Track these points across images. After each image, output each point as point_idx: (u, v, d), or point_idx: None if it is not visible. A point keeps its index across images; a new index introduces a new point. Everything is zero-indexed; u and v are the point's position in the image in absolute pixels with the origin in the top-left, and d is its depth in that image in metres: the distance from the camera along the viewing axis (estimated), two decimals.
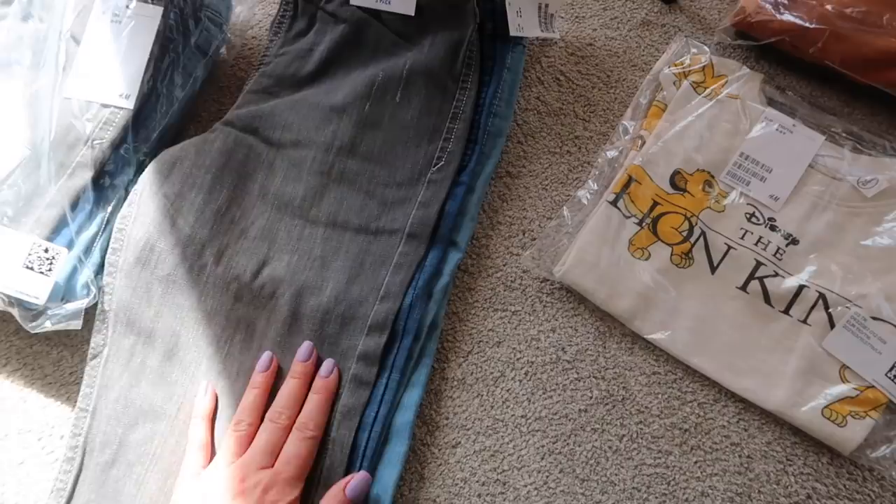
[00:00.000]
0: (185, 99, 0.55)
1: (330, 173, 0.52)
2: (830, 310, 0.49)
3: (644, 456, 0.48)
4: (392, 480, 0.45)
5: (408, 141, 0.54)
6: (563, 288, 0.53)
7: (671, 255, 0.52)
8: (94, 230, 0.50)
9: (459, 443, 0.49)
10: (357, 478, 0.43)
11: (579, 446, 0.49)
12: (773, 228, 0.51)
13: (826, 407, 0.47)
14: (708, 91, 0.55)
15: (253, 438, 0.43)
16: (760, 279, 0.50)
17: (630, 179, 0.53)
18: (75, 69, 0.52)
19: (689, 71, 0.55)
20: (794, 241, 0.51)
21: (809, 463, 0.48)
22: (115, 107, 0.51)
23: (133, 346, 0.48)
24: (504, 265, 0.54)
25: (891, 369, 0.47)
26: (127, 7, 0.53)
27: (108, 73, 0.52)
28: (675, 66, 0.56)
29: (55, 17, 0.53)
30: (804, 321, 0.49)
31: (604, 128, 0.58)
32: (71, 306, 0.48)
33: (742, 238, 0.51)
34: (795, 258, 0.51)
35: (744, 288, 0.50)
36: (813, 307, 0.49)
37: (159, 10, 0.53)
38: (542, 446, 0.49)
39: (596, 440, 0.49)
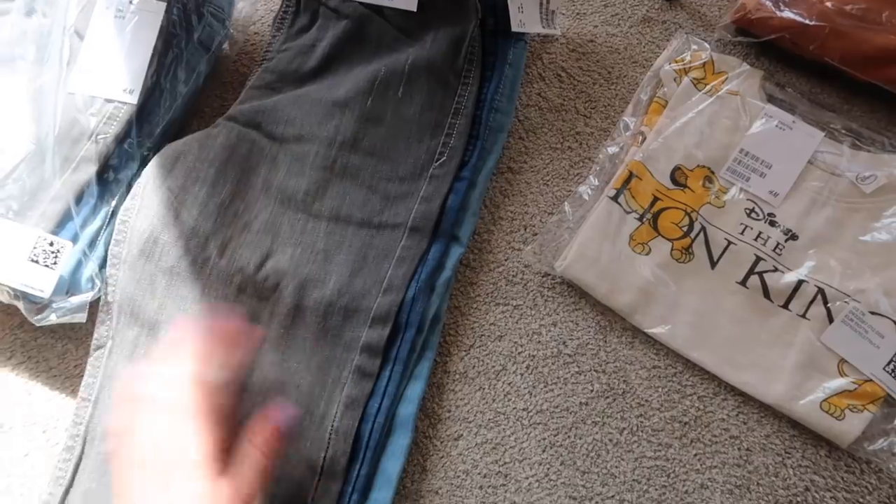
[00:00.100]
0: (188, 94, 0.55)
1: (333, 168, 0.53)
2: (829, 304, 0.49)
3: (644, 448, 0.49)
4: (395, 472, 0.46)
5: (410, 136, 0.54)
6: (565, 283, 0.53)
7: (671, 250, 0.52)
8: (98, 224, 0.50)
9: (461, 435, 0.49)
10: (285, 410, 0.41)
11: (580, 439, 0.49)
12: (772, 224, 0.52)
13: (824, 400, 0.47)
14: (708, 87, 0.55)
15: None
16: (760, 274, 0.51)
17: (631, 175, 0.53)
18: (79, 64, 0.52)
19: (690, 67, 0.56)
20: (794, 237, 0.51)
21: (808, 455, 0.48)
22: (119, 102, 0.52)
23: (137, 337, 0.48)
24: (506, 260, 0.54)
25: (888, 363, 0.47)
26: (130, 2, 0.53)
27: (111, 69, 0.52)
28: (676, 62, 0.56)
29: (59, 12, 0.54)
30: (803, 316, 0.50)
31: (605, 124, 0.58)
32: (76, 299, 0.48)
33: (742, 233, 0.52)
34: (795, 253, 0.51)
35: (743, 283, 0.51)
36: (812, 302, 0.50)
37: (162, 5, 0.53)
38: (544, 439, 0.49)
39: (597, 433, 0.49)
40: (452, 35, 0.55)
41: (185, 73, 0.55)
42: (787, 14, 0.55)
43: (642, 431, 0.49)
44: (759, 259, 0.51)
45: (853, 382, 0.48)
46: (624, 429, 0.49)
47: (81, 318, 0.49)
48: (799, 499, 0.47)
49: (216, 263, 0.49)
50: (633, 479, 0.48)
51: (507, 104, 0.56)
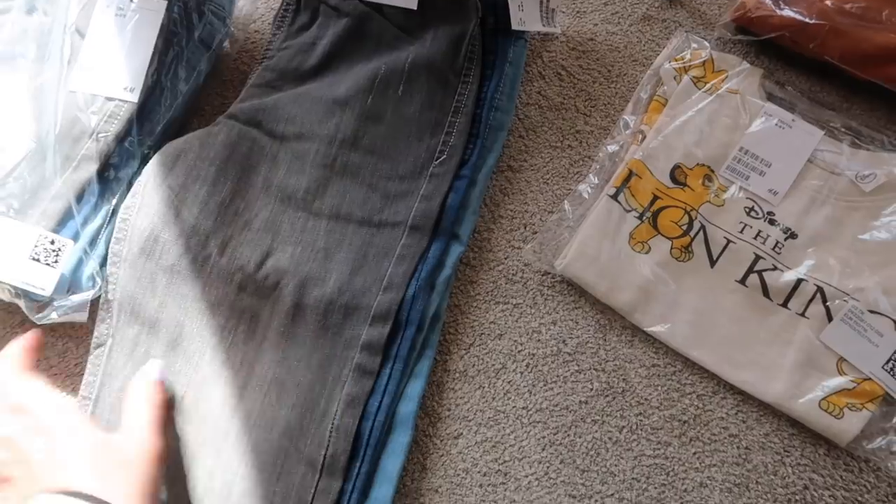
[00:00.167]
0: (189, 92, 0.55)
1: (333, 166, 0.53)
2: (828, 303, 0.49)
3: (644, 447, 0.49)
4: (395, 470, 0.46)
5: (410, 134, 0.54)
6: (564, 281, 0.53)
7: (671, 248, 0.52)
8: (99, 222, 0.50)
9: (461, 434, 0.49)
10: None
11: (580, 437, 0.49)
12: (771, 222, 0.52)
13: (823, 399, 0.48)
14: (708, 86, 0.55)
15: None
16: (759, 273, 0.51)
17: (630, 174, 0.53)
18: (80, 62, 0.52)
19: (690, 66, 0.56)
20: (793, 235, 0.51)
21: (806, 454, 0.48)
22: (120, 100, 0.52)
23: (137, 335, 0.48)
24: (506, 258, 0.54)
25: (887, 362, 0.48)
26: (131, 1, 0.53)
27: (112, 67, 0.52)
28: (676, 61, 0.56)
29: (59, 11, 0.54)
30: (802, 314, 0.50)
31: (604, 122, 0.58)
32: (77, 298, 0.48)
33: (741, 232, 0.52)
34: (794, 252, 0.51)
35: (743, 281, 0.51)
36: (811, 300, 0.50)
37: (163, 3, 0.53)
38: (543, 437, 0.49)
39: (596, 431, 0.49)
40: (452, 33, 0.55)
41: (186, 71, 0.55)
42: (787, 12, 0.55)
43: (642, 430, 0.49)
44: (758, 258, 0.51)
45: (852, 381, 0.48)
46: (623, 427, 0.50)
47: (82, 316, 0.49)
48: (798, 497, 0.47)
49: (217, 262, 0.49)
50: (633, 478, 0.48)
51: (507, 102, 0.56)
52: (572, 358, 0.51)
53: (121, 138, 0.52)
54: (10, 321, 0.52)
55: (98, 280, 0.49)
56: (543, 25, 0.58)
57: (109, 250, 0.49)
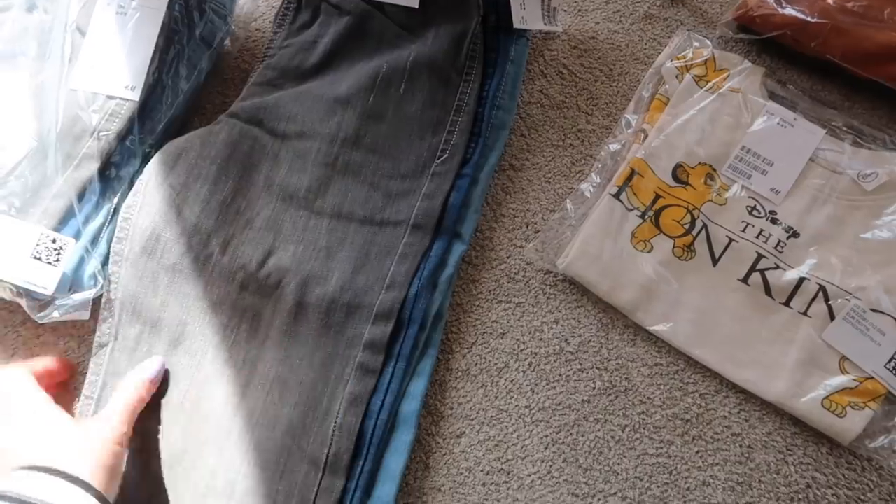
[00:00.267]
0: (190, 91, 0.55)
1: (335, 165, 0.53)
2: (830, 302, 0.49)
3: (646, 446, 0.49)
4: (398, 469, 0.46)
5: (412, 133, 0.54)
6: (567, 280, 0.53)
7: (673, 247, 0.52)
8: (100, 221, 0.50)
9: (464, 433, 0.49)
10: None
11: (582, 436, 0.49)
12: (774, 221, 0.52)
13: (826, 398, 0.48)
14: (710, 85, 0.55)
15: None
16: (761, 271, 0.51)
17: (632, 172, 0.53)
18: (81, 61, 0.52)
19: (692, 65, 0.56)
20: (795, 234, 0.51)
21: (809, 453, 0.49)
22: (121, 98, 0.51)
23: (139, 334, 0.48)
24: (508, 257, 0.54)
25: (890, 360, 0.48)
26: None
27: (113, 65, 0.52)
28: (678, 59, 0.56)
29: (60, 9, 0.53)
30: (804, 313, 0.50)
31: (606, 121, 0.58)
32: (78, 296, 0.48)
33: (743, 231, 0.52)
34: (796, 251, 0.51)
35: (745, 280, 0.51)
36: (813, 299, 0.50)
37: (164, 1, 0.53)
38: (546, 436, 0.49)
39: (599, 430, 0.49)
40: (454, 32, 0.55)
41: (187, 69, 0.54)
42: (789, 11, 0.55)
43: (644, 429, 0.49)
44: (760, 256, 0.51)
45: (854, 380, 0.48)
46: (626, 426, 0.50)
47: (84, 315, 0.48)
48: (800, 495, 0.47)
49: (218, 261, 0.49)
50: (636, 477, 0.48)
51: (508, 101, 0.56)
52: (575, 357, 0.51)
53: (122, 137, 0.51)
54: (12, 320, 0.52)
55: (100, 279, 0.49)
56: (545, 24, 0.57)
57: (111, 249, 0.49)
